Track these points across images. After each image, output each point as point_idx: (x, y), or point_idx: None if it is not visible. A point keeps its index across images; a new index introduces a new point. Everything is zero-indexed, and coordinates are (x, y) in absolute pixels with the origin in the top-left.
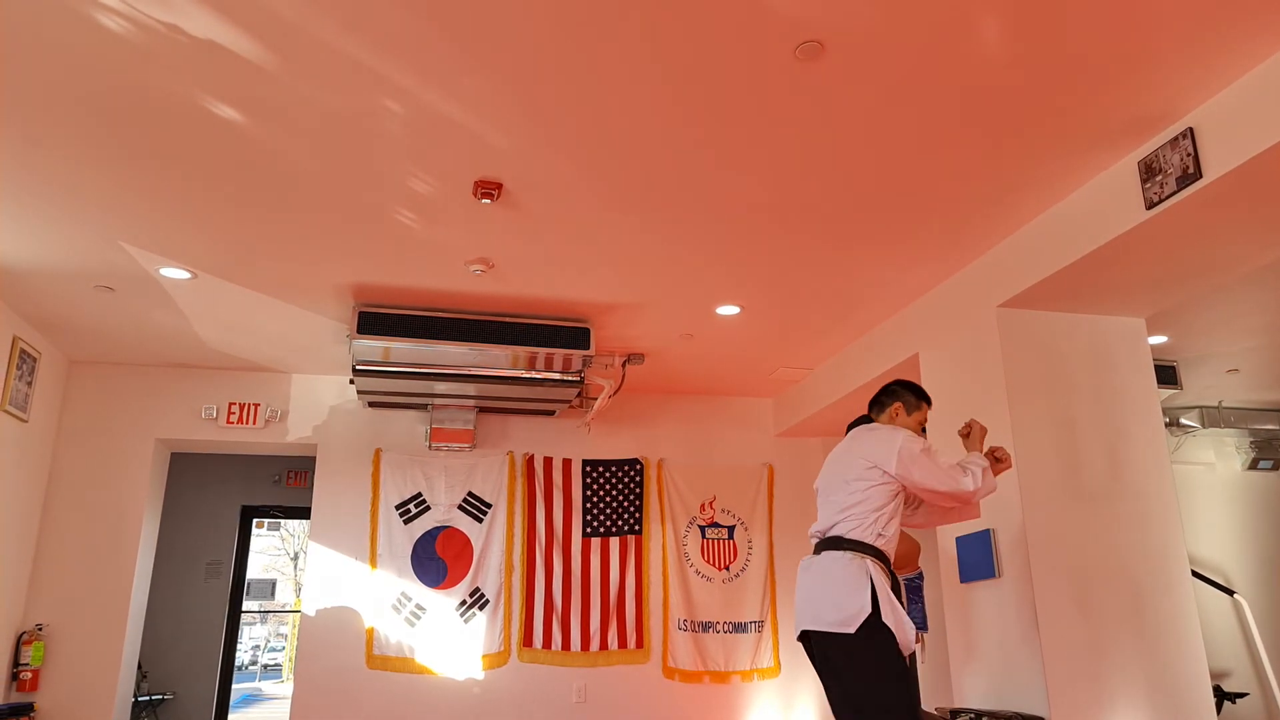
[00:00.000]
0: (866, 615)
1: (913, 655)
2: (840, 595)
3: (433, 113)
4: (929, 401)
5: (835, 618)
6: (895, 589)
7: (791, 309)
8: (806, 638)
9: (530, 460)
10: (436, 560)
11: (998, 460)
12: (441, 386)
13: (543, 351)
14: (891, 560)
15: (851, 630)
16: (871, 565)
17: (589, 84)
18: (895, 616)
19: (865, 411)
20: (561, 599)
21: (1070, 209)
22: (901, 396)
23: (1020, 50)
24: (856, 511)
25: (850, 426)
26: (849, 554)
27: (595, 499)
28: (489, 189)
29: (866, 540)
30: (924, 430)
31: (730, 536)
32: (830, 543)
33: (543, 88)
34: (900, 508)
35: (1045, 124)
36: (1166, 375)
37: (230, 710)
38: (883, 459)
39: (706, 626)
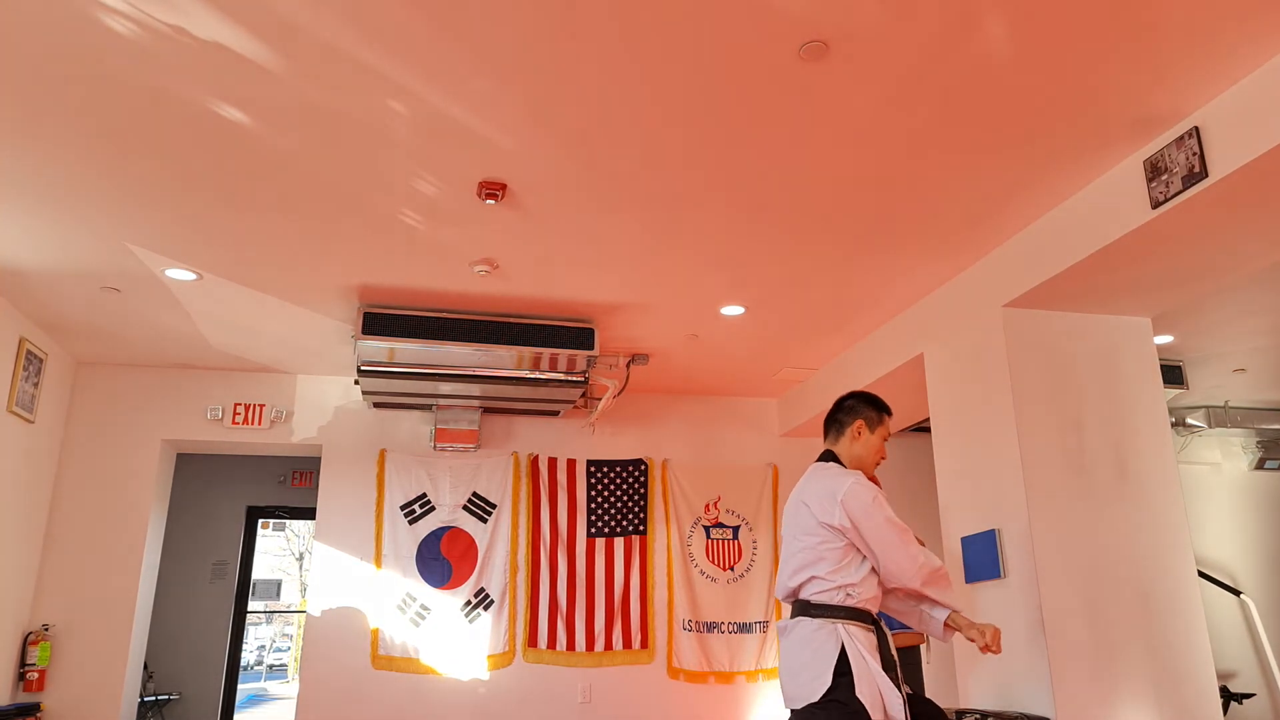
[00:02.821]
0: (827, 687)
1: (918, 653)
2: (805, 669)
3: (437, 114)
4: (890, 412)
5: (801, 693)
6: (886, 651)
7: (796, 309)
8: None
9: (535, 461)
10: (441, 561)
11: (980, 634)
12: (446, 387)
13: (547, 352)
14: (875, 610)
15: (816, 698)
16: (845, 630)
17: (593, 85)
18: (873, 687)
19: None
20: (566, 599)
21: (1075, 208)
22: (862, 412)
23: (1025, 49)
24: (815, 571)
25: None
26: (818, 622)
27: (600, 499)
28: (493, 190)
29: (834, 602)
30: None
31: (735, 537)
32: (801, 607)
33: (547, 89)
34: (867, 561)
35: (1050, 123)
36: (1173, 375)
37: (236, 710)
38: (825, 510)
39: (711, 627)
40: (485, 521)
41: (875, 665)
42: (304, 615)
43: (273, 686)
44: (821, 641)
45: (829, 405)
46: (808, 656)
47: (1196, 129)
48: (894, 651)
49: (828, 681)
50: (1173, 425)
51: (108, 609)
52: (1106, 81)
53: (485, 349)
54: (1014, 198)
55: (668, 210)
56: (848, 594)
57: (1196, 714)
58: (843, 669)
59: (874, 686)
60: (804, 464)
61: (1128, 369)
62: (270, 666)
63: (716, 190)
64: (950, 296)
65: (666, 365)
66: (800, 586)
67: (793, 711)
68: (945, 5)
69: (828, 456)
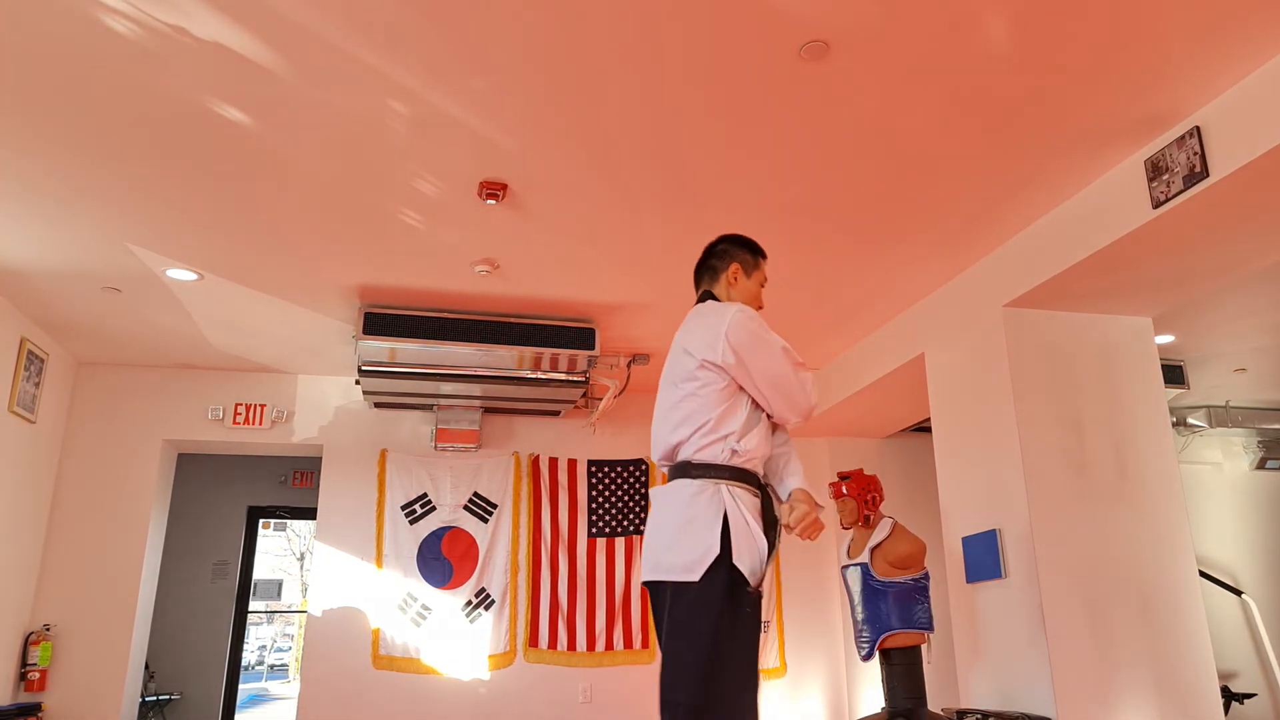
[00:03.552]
0: (715, 556)
1: (918, 653)
2: (684, 535)
3: (438, 114)
4: (765, 255)
5: (676, 562)
6: (770, 516)
7: (797, 308)
8: (651, 588)
9: (535, 461)
10: (442, 560)
11: (787, 511)
12: (447, 387)
13: (548, 352)
14: (763, 475)
15: (695, 577)
16: (729, 492)
17: (594, 84)
18: (753, 553)
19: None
20: (567, 599)
21: (1077, 208)
22: (736, 255)
23: (1026, 49)
24: (699, 420)
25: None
26: (698, 483)
27: (600, 499)
28: (494, 190)
29: (718, 461)
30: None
31: None
32: (679, 469)
33: (548, 89)
34: (749, 407)
35: (1051, 122)
36: (1174, 375)
37: (237, 710)
38: (708, 346)
39: None
40: (486, 521)
41: (757, 528)
42: (305, 615)
43: (274, 686)
44: (705, 504)
45: (829, 405)
46: (686, 520)
47: (1198, 129)
48: (777, 515)
49: (715, 549)
50: (1174, 425)
51: (109, 609)
52: (1107, 81)
53: (486, 349)
54: (1015, 197)
55: (668, 210)
56: (733, 450)
57: (1197, 714)
58: (725, 537)
59: (754, 553)
60: (805, 464)
61: (1129, 369)
62: (271, 666)
63: (716, 190)
64: (951, 296)
65: None
66: (680, 444)
67: (657, 585)
68: (946, 5)
69: (706, 298)
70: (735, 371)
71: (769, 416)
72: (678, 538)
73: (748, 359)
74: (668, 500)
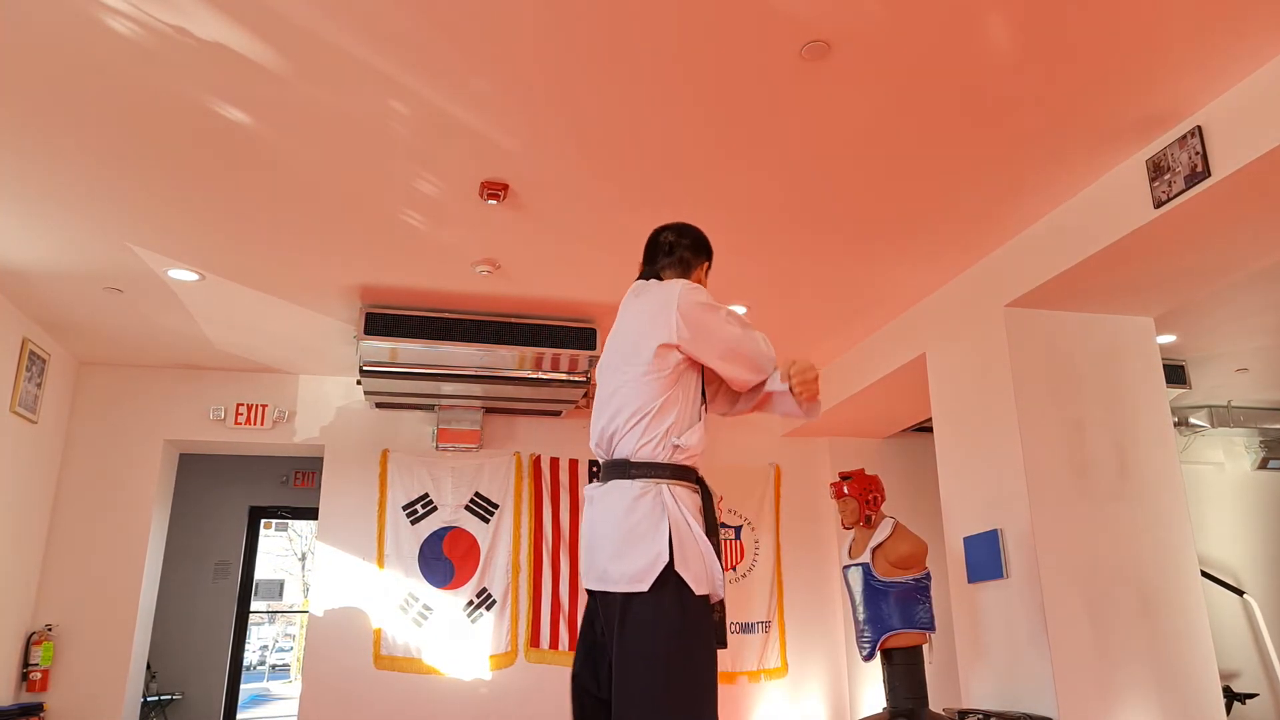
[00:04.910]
0: (665, 564)
1: (919, 653)
2: (630, 543)
3: (439, 114)
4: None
5: (625, 571)
6: (710, 514)
7: (798, 308)
8: (596, 596)
9: (537, 461)
10: (444, 560)
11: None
12: (448, 387)
13: (549, 352)
14: (700, 470)
15: (645, 587)
16: (670, 492)
17: (595, 85)
18: (698, 558)
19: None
20: (568, 599)
21: (1078, 208)
22: (705, 254)
23: (1027, 49)
24: (636, 414)
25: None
26: (639, 484)
27: None
28: (495, 190)
29: (659, 459)
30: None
31: (737, 537)
32: (617, 467)
33: (549, 88)
34: (695, 396)
35: (1052, 122)
36: (1175, 374)
37: (238, 710)
38: (659, 326)
39: None
40: (487, 521)
41: (700, 531)
42: (306, 615)
43: (275, 686)
44: (647, 508)
45: (831, 405)
46: (629, 527)
47: (1199, 128)
48: (718, 516)
49: (665, 556)
50: (1175, 425)
51: (110, 609)
52: (1109, 81)
53: (487, 349)
54: (1016, 197)
55: (668, 209)
56: (675, 445)
57: (1199, 714)
58: (670, 542)
59: (699, 557)
60: (807, 464)
61: (1130, 369)
62: (273, 666)
63: (717, 189)
64: (953, 296)
65: None
66: (618, 434)
67: (602, 595)
68: (947, 5)
69: (652, 276)
70: (690, 348)
71: (723, 389)
72: (623, 546)
73: (699, 331)
74: (607, 504)
